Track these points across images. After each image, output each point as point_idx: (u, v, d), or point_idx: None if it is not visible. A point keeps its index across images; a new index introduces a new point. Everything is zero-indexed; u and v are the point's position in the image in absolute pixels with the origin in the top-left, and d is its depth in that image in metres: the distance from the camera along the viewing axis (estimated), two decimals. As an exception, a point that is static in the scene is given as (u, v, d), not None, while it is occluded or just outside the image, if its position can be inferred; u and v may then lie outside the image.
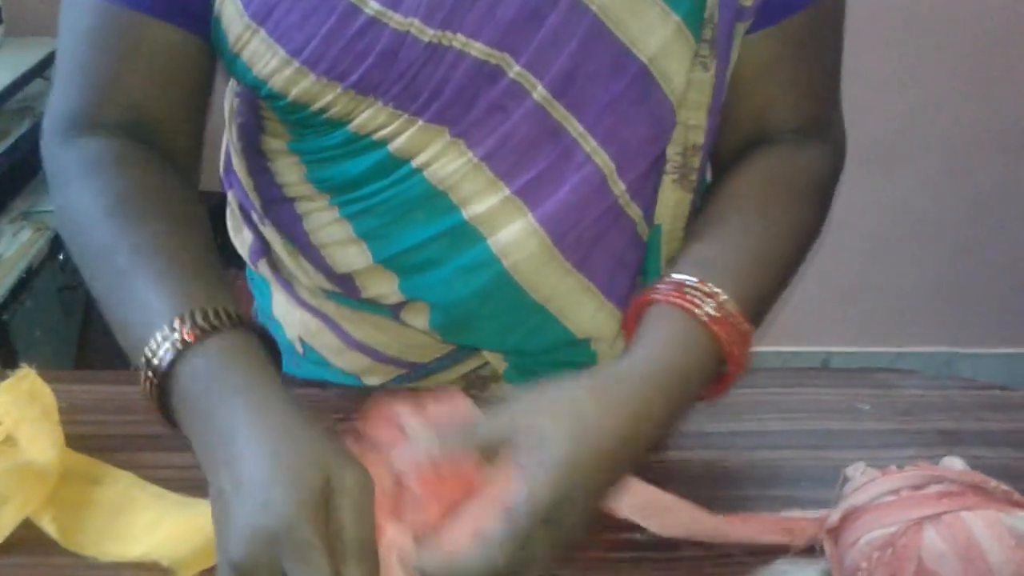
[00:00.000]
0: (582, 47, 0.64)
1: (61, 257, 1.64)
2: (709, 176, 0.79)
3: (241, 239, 0.83)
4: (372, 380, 0.80)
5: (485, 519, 0.50)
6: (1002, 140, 2.00)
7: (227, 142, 0.81)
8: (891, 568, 0.56)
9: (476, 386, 0.80)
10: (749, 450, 0.75)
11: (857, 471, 0.64)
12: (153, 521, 0.64)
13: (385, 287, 0.73)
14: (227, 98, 0.78)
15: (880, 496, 0.59)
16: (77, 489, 0.67)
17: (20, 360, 1.29)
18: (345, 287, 0.75)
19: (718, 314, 0.61)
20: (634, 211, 0.71)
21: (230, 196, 0.83)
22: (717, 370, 0.62)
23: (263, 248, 0.81)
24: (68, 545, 0.63)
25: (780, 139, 0.74)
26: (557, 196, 0.68)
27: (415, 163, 0.67)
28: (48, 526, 0.64)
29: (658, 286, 0.64)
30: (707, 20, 0.66)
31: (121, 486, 0.67)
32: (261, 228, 0.80)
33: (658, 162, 0.71)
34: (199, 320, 0.56)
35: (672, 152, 0.71)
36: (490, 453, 0.53)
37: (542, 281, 0.70)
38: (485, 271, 0.70)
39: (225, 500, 0.50)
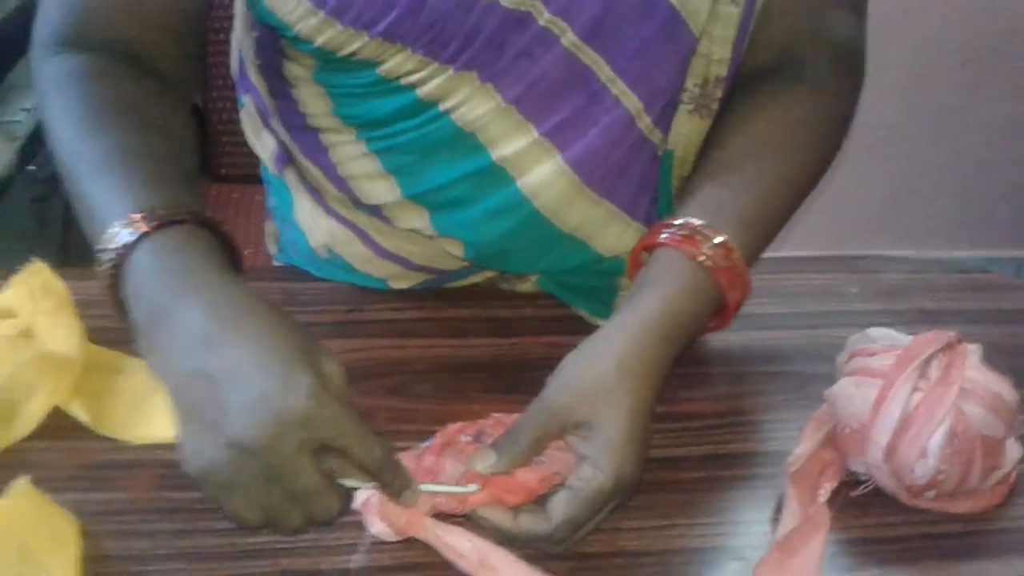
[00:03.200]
0: None
1: (32, 167, 1.62)
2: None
3: (261, 144, 0.81)
4: (400, 284, 0.80)
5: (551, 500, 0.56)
6: (963, 54, 2.03)
7: (238, 47, 0.79)
8: (963, 455, 0.60)
9: (505, 282, 0.82)
10: (746, 331, 0.78)
11: (856, 340, 0.68)
12: (180, 405, 0.65)
13: (416, 221, 0.73)
14: (239, 4, 0.75)
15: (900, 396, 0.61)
16: (101, 378, 0.68)
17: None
18: (376, 216, 0.75)
19: (721, 261, 0.63)
20: (656, 137, 0.71)
21: (246, 100, 0.81)
22: (715, 308, 0.65)
23: (287, 156, 0.79)
24: (99, 429, 0.64)
25: (803, 67, 0.73)
26: (586, 139, 0.68)
27: (443, 107, 0.67)
28: (78, 412, 0.65)
29: (666, 228, 0.65)
30: None
31: (142, 376, 0.68)
32: (283, 137, 0.78)
33: (679, 92, 0.71)
34: (157, 213, 0.55)
35: (690, 83, 0.71)
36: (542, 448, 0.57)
37: (571, 214, 0.71)
38: (515, 212, 0.70)
39: (212, 386, 0.50)
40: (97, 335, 0.71)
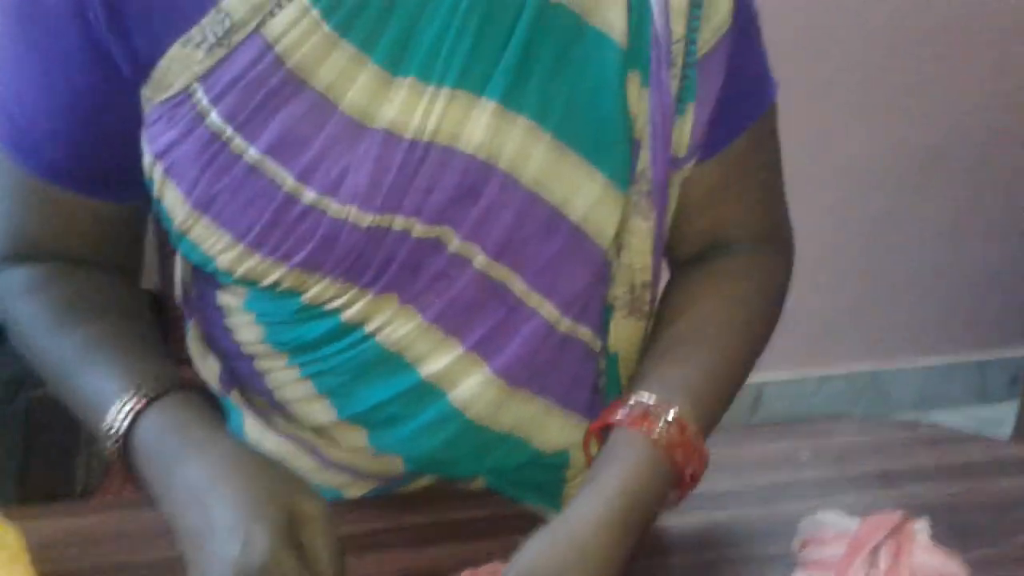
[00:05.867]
0: (517, 216, 0.67)
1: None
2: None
3: (207, 367, 0.82)
4: (354, 493, 0.80)
5: None
6: (904, 160, 2.11)
7: (181, 278, 0.82)
8: None
9: (455, 483, 0.82)
10: (703, 511, 0.79)
11: (807, 526, 0.69)
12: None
13: (356, 441, 0.75)
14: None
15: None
16: (57, 630, 0.67)
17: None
18: (319, 435, 0.77)
19: (675, 437, 0.66)
20: (583, 333, 0.74)
21: (192, 324, 0.83)
22: (673, 483, 0.67)
23: (232, 378, 0.81)
24: None
25: (734, 250, 0.78)
26: (510, 348, 0.71)
27: (367, 329, 0.70)
28: (33, 672, 0.64)
29: (619, 408, 0.68)
30: (641, 175, 0.70)
31: (100, 622, 0.68)
32: (225, 362, 0.80)
33: (601, 289, 0.74)
34: (146, 389, 0.65)
35: (620, 291, 0.74)
36: None
37: (504, 416, 0.73)
38: (449, 424, 0.72)
39: (199, 541, 0.58)
40: (55, 578, 0.71)
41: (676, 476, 0.67)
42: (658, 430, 0.65)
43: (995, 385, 2.31)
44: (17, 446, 1.37)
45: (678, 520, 0.78)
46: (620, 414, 0.67)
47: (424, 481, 0.81)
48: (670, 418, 0.66)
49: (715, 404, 0.71)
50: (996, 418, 2.22)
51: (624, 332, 0.75)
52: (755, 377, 2.49)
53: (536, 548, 0.61)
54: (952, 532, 0.72)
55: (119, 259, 0.77)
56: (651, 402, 0.67)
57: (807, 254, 2.18)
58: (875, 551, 0.63)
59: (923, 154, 2.10)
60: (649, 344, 0.75)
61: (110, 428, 0.64)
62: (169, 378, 0.67)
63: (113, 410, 0.64)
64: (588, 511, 0.62)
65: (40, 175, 0.70)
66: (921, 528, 0.65)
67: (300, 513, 0.59)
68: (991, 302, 2.26)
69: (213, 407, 0.69)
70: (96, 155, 0.69)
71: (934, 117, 2.08)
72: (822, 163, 2.06)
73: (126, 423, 0.64)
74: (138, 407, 0.64)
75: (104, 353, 0.68)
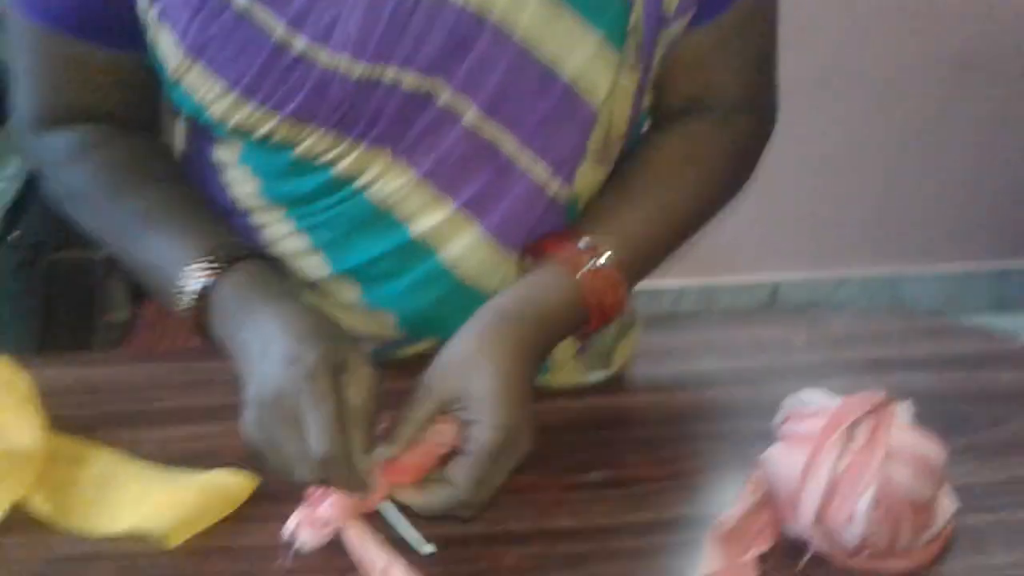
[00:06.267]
0: (509, 70, 0.67)
1: (16, 234, 1.64)
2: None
3: None
4: None
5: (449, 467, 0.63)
6: (934, 67, 2.06)
7: (179, 141, 0.83)
8: (891, 518, 0.61)
9: None
10: (692, 389, 0.80)
11: (790, 403, 0.70)
12: (139, 494, 0.67)
13: (349, 296, 0.77)
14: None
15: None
16: (62, 469, 0.70)
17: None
18: (313, 291, 0.79)
19: (582, 262, 0.70)
20: (568, 193, 0.75)
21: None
22: (577, 302, 0.71)
23: None
24: (60, 523, 0.66)
25: (710, 113, 0.79)
26: (502, 207, 0.72)
27: (358, 183, 0.71)
28: (39, 507, 0.67)
29: (552, 238, 0.72)
30: (632, 31, 0.69)
31: (104, 463, 0.71)
32: None
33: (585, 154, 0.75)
34: (224, 252, 0.68)
35: (594, 141, 0.74)
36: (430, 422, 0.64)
37: (494, 277, 0.75)
38: (441, 282, 0.75)
39: (255, 360, 0.62)
40: (58, 423, 0.73)
41: (583, 299, 0.70)
42: (569, 254, 0.70)
43: (1014, 294, 2.29)
44: (38, 309, 1.40)
45: (668, 394, 0.80)
46: (549, 242, 0.72)
47: (419, 347, 0.83)
48: (583, 244, 0.71)
49: (641, 246, 0.74)
50: (1013, 328, 2.20)
51: (588, 178, 0.76)
52: (771, 275, 2.52)
53: (444, 346, 0.66)
54: (940, 419, 0.72)
55: (138, 113, 0.78)
56: (571, 232, 0.72)
57: (832, 157, 2.17)
58: (853, 427, 0.63)
59: (953, 64, 2.05)
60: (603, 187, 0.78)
61: (187, 286, 0.67)
62: (237, 244, 0.70)
63: (189, 270, 0.68)
64: (486, 311, 0.68)
65: (52, 26, 0.71)
66: (902, 408, 0.66)
67: (352, 366, 0.61)
68: (1013, 212, 2.23)
69: (284, 273, 0.72)
70: (101, 2, 0.69)
71: (965, 28, 2.02)
72: (851, 69, 2.02)
73: (202, 283, 0.67)
74: (219, 267, 0.67)
75: (173, 215, 0.72)
